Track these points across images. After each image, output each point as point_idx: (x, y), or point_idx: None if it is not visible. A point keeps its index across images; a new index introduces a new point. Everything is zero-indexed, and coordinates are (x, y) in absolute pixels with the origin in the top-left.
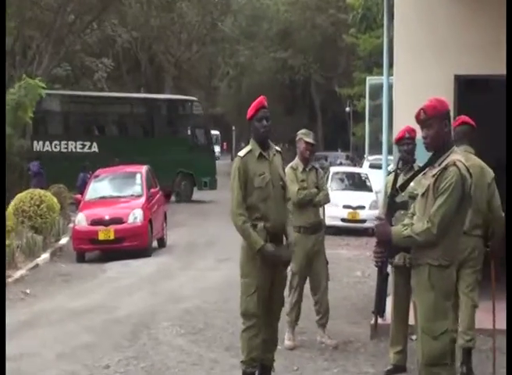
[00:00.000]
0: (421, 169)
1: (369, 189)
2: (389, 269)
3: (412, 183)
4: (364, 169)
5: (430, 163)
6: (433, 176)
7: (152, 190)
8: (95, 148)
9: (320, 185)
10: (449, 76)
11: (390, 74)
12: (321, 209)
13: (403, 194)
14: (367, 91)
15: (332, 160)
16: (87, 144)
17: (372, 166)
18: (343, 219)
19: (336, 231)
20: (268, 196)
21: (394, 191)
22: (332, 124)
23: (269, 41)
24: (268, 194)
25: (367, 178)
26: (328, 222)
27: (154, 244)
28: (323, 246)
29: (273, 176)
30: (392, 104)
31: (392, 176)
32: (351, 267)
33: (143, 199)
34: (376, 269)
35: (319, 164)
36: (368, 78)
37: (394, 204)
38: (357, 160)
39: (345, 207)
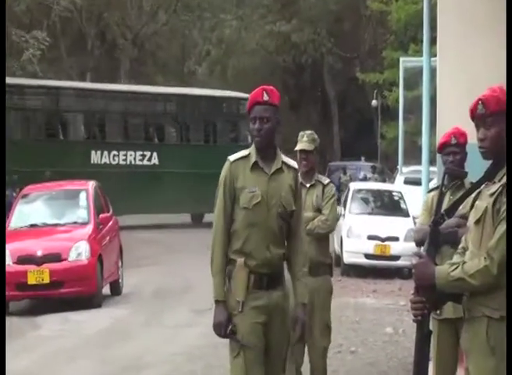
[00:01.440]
0: (475, 186)
1: (404, 213)
2: (432, 324)
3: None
4: (396, 186)
5: (487, 178)
6: (492, 195)
7: (103, 215)
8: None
9: (321, 206)
10: None
11: (433, 54)
12: (333, 239)
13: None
14: (401, 77)
15: (353, 173)
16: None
17: (408, 182)
18: (367, 256)
19: (359, 272)
20: (254, 222)
21: (438, 216)
22: (352, 123)
23: (265, 9)
24: (256, 219)
25: (401, 198)
26: (348, 259)
27: (106, 290)
28: (325, 294)
29: (269, 197)
30: (435, 95)
31: (435, 196)
32: (379, 321)
33: (89, 228)
34: (415, 324)
35: (335, 178)
36: (401, 59)
37: (438, 235)
38: (387, 173)
39: (370, 238)
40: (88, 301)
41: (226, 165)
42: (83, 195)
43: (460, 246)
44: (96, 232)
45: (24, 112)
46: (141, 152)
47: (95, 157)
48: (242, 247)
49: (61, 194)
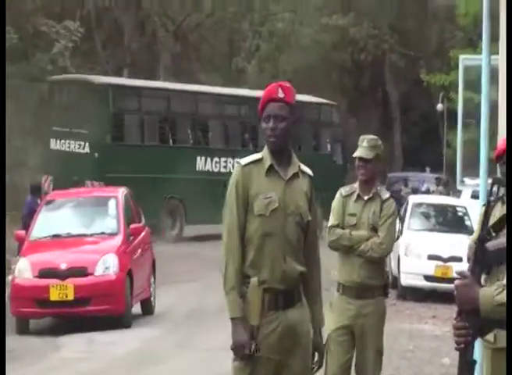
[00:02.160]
0: None
1: (469, 231)
2: (485, 353)
3: None
4: (462, 200)
5: None
6: None
7: (134, 225)
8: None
9: (377, 225)
10: None
11: (494, 52)
12: (389, 258)
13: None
14: (460, 77)
15: (415, 185)
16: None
17: (476, 196)
18: (427, 277)
19: (417, 295)
20: (271, 231)
21: (485, 232)
22: (416, 130)
23: (320, 0)
24: (273, 227)
25: (465, 214)
26: (405, 281)
27: (136, 309)
28: (376, 318)
29: (286, 204)
30: (495, 101)
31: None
32: (438, 350)
33: (119, 239)
34: (458, 353)
35: (394, 191)
36: (461, 57)
37: (484, 253)
38: (453, 185)
39: (431, 258)
40: (116, 320)
41: (238, 169)
42: (112, 203)
43: None
44: (126, 244)
45: (139, 115)
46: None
47: (200, 163)
48: (255, 259)
49: (88, 202)
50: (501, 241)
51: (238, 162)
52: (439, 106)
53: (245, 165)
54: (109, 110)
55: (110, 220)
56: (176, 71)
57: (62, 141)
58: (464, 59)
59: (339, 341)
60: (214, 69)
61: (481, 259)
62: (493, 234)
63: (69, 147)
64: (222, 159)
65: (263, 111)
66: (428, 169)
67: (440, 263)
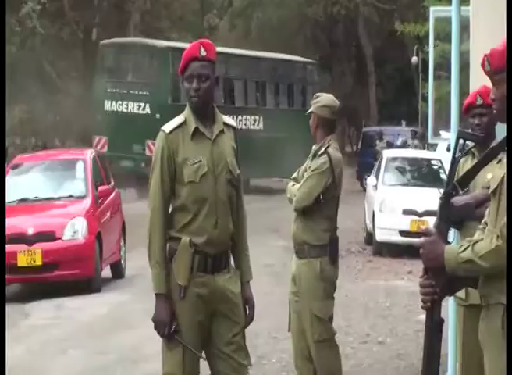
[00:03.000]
0: (491, 153)
1: (444, 184)
2: (457, 310)
3: (489, 175)
4: (438, 154)
5: (505, 142)
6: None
7: (102, 187)
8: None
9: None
10: None
11: (464, 1)
12: (364, 214)
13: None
14: (430, 29)
15: (390, 139)
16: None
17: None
18: (402, 232)
19: (393, 251)
20: (204, 196)
21: (450, 187)
22: (391, 84)
23: None
24: (205, 192)
25: (441, 167)
26: (380, 236)
27: (106, 272)
28: (308, 281)
29: (216, 165)
30: (468, 52)
31: (462, 163)
32: (413, 308)
33: (87, 202)
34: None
35: (369, 146)
36: (432, 9)
37: (450, 209)
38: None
39: (406, 213)
40: (85, 285)
41: (161, 137)
42: (79, 166)
43: (483, 221)
44: (94, 207)
45: None
46: (254, 117)
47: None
48: (188, 224)
49: (55, 165)
50: (466, 198)
51: (161, 130)
52: (414, 59)
53: (170, 132)
54: (169, 72)
55: (78, 183)
56: (146, 29)
57: (119, 102)
58: (435, 11)
59: (292, 304)
60: (184, 28)
61: (447, 216)
62: (459, 190)
63: (126, 108)
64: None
65: (185, 70)
66: (403, 122)
67: (415, 218)
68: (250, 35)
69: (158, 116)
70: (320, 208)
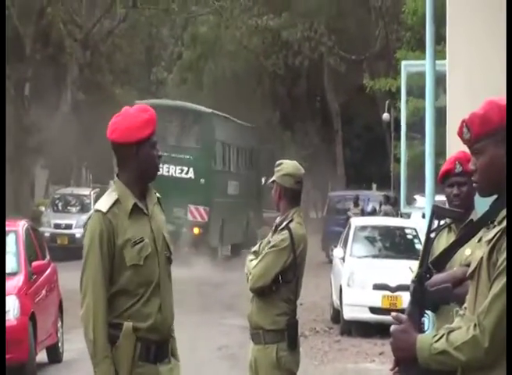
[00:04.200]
0: (470, 231)
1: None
2: None
3: (467, 251)
4: (412, 221)
5: (488, 218)
6: (488, 242)
7: (37, 263)
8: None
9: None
10: None
11: (440, 56)
12: (331, 289)
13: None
14: (402, 85)
15: (360, 204)
16: None
17: None
18: (373, 309)
19: (363, 330)
20: (149, 279)
21: (424, 269)
22: (360, 143)
23: None
24: (150, 275)
25: (416, 237)
26: (349, 314)
27: (41, 356)
28: (263, 368)
29: (156, 243)
30: (444, 108)
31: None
32: None
33: (19, 279)
34: None
35: (340, 211)
36: (403, 63)
37: (424, 293)
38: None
39: (377, 288)
40: (18, 372)
41: (98, 217)
42: (11, 239)
43: (464, 306)
44: (28, 284)
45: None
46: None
47: None
48: (130, 308)
49: None
50: (443, 278)
51: (96, 209)
52: (385, 116)
53: (107, 211)
54: (214, 138)
55: (9, 258)
56: (85, 84)
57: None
58: (407, 65)
59: None
60: (129, 82)
61: (421, 301)
62: (434, 272)
63: (168, 171)
64: None
65: (151, 136)
66: (374, 185)
67: (388, 293)
68: (202, 90)
69: (202, 180)
70: (278, 289)
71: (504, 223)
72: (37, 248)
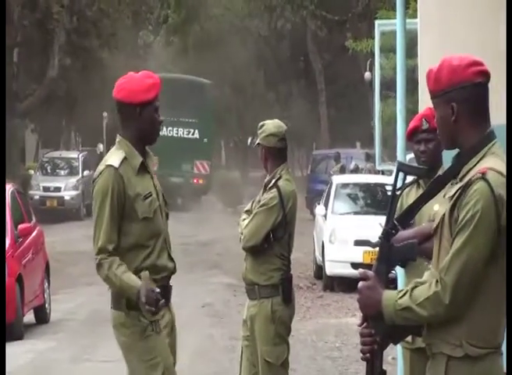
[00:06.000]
0: (434, 185)
1: None
2: (404, 354)
3: (436, 206)
4: (391, 178)
5: (450, 174)
6: (451, 198)
7: (22, 225)
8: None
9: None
10: None
11: (411, 14)
12: (314, 245)
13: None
14: (376, 45)
15: (343, 162)
16: None
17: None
18: (355, 265)
19: (345, 285)
20: (159, 231)
21: (390, 226)
22: (343, 102)
23: None
24: (158, 227)
25: None
26: (331, 270)
27: (29, 317)
28: (260, 323)
29: (160, 198)
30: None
31: (405, 195)
32: None
33: (6, 242)
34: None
35: (322, 170)
36: (377, 23)
37: (390, 250)
38: (385, 161)
39: (359, 244)
40: (6, 331)
41: (110, 172)
42: None
43: (432, 261)
44: (14, 247)
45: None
46: None
47: None
48: (145, 262)
49: None
50: (409, 234)
51: (109, 165)
52: (367, 74)
53: (118, 166)
54: (213, 106)
55: None
56: (73, 49)
57: (170, 128)
58: (380, 25)
59: (243, 349)
60: (116, 46)
61: (387, 257)
62: (399, 228)
63: (177, 133)
64: None
65: (155, 99)
66: (358, 144)
67: (369, 249)
68: (188, 52)
69: (205, 140)
70: (271, 246)
71: (465, 180)
72: (23, 211)
